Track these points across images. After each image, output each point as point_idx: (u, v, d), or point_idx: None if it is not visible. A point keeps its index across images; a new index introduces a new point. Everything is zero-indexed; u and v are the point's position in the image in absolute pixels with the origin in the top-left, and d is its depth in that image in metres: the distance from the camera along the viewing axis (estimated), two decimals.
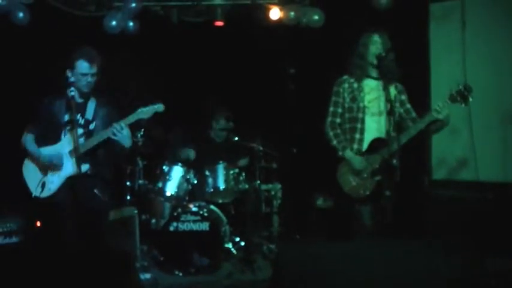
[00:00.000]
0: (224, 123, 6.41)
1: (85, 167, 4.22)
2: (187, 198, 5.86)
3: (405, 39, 5.36)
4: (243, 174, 6.11)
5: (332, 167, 4.57)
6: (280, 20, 6.49)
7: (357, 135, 4.52)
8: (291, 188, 6.84)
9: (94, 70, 4.25)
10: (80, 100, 4.29)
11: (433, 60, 6.34)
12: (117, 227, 5.20)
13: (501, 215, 5.26)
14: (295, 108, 7.05)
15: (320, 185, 6.47)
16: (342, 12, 6.33)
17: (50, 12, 6.06)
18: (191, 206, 5.60)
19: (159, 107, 4.34)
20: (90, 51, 4.28)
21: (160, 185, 5.82)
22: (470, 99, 4.23)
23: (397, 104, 4.54)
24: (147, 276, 5.28)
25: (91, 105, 4.40)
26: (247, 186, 6.09)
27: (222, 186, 5.90)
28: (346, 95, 4.57)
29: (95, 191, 4.28)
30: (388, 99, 4.32)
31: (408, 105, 4.60)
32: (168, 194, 5.80)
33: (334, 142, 4.56)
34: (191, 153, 6.28)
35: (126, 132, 4.23)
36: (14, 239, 4.86)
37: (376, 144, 4.44)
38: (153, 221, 6.06)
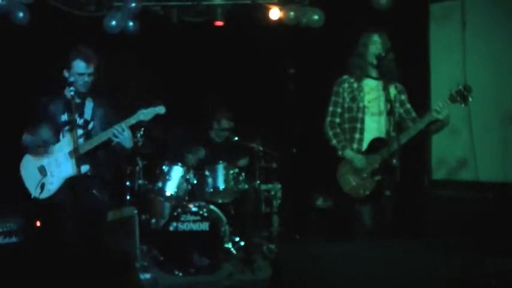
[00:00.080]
0: (226, 123, 6.41)
1: (85, 168, 4.21)
2: (187, 198, 5.86)
3: (405, 39, 5.36)
4: (243, 174, 6.10)
5: (332, 167, 4.56)
6: (280, 20, 6.49)
7: (357, 135, 4.52)
8: (290, 188, 6.84)
9: (91, 70, 4.24)
10: (77, 100, 4.26)
11: (433, 60, 6.34)
12: (117, 227, 5.20)
13: (501, 215, 5.26)
14: (295, 108, 7.05)
15: (320, 185, 6.46)
16: (342, 12, 6.33)
17: (50, 12, 6.06)
18: (191, 206, 5.60)
19: (161, 109, 4.31)
20: (87, 50, 4.27)
21: (160, 185, 5.82)
22: (470, 99, 4.23)
23: (397, 104, 4.54)
24: (147, 276, 5.28)
25: (89, 106, 4.40)
26: (247, 186, 6.09)
27: (221, 186, 5.90)
28: (346, 94, 4.57)
29: (94, 191, 4.28)
30: (388, 99, 4.32)
31: (408, 105, 4.60)
32: (167, 194, 5.80)
33: (334, 142, 4.55)
34: (201, 153, 6.27)
35: (127, 133, 4.22)
36: (14, 239, 4.85)
37: (376, 144, 4.43)
38: (153, 221, 6.06)
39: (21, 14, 5.86)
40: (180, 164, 5.90)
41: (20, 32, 5.92)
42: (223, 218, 5.71)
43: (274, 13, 6.45)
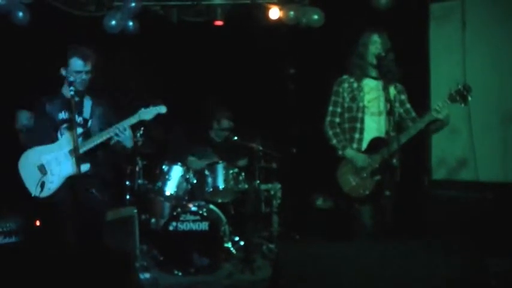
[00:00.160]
0: (226, 123, 6.42)
1: (86, 167, 4.22)
2: (186, 197, 5.86)
3: (405, 39, 5.35)
4: (243, 174, 6.10)
5: (332, 167, 4.56)
6: (279, 20, 6.49)
7: (356, 135, 4.51)
8: (290, 188, 6.83)
9: (88, 67, 4.25)
10: (76, 99, 4.26)
11: (433, 60, 6.33)
12: (117, 226, 5.19)
13: (501, 215, 5.26)
14: (295, 108, 7.06)
15: (320, 185, 6.46)
16: (342, 12, 6.33)
17: (50, 12, 6.05)
18: (191, 205, 5.60)
19: (162, 109, 4.32)
20: (84, 49, 4.29)
21: (159, 184, 5.82)
22: (470, 99, 4.22)
23: (397, 104, 4.54)
24: (147, 276, 5.28)
25: (87, 104, 4.41)
26: (246, 186, 6.09)
27: (221, 185, 5.90)
28: (345, 94, 4.56)
29: (93, 191, 4.27)
30: (387, 99, 4.32)
31: (408, 105, 4.59)
32: (167, 193, 5.80)
33: (334, 141, 4.55)
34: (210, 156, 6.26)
35: (128, 133, 4.23)
36: (13, 239, 4.85)
37: (376, 143, 4.43)
38: (153, 220, 6.06)
39: (20, 14, 5.86)
40: (179, 163, 5.90)
41: (20, 32, 5.92)
42: (223, 217, 5.71)
43: (274, 13, 6.45)
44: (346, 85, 4.57)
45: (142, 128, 5.71)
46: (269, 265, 5.56)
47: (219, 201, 5.99)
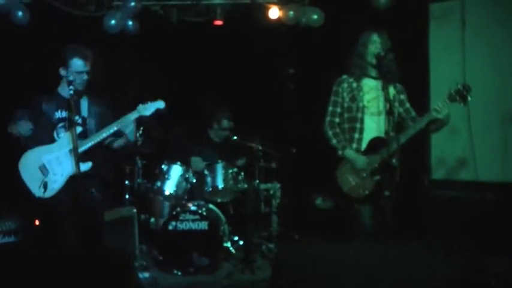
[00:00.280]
0: (226, 123, 6.41)
1: (87, 165, 4.24)
2: (186, 197, 5.86)
3: (405, 39, 5.34)
4: (242, 173, 6.10)
5: (331, 166, 4.55)
6: (279, 20, 6.48)
7: (356, 135, 4.50)
8: (290, 187, 6.83)
9: (88, 68, 4.28)
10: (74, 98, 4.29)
11: (433, 60, 6.33)
12: (116, 226, 5.20)
13: (501, 215, 5.26)
14: (295, 108, 7.05)
15: (319, 184, 6.46)
16: (342, 11, 6.33)
17: (50, 12, 6.05)
18: (190, 205, 5.60)
19: (160, 104, 4.37)
20: (83, 49, 4.31)
21: (159, 184, 5.82)
22: (469, 99, 4.22)
23: (396, 104, 4.53)
24: (146, 275, 5.28)
25: (84, 103, 4.43)
26: (246, 185, 6.09)
27: (220, 185, 5.90)
28: (345, 94, 4.56)
29: (93, 190, 4.28)
30: (387, 99, 4.32)
31: (407, 105, 4.59)
32: (167, 193, 5.80)
33: (334, 141, 4.54)
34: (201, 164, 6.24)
35: (132, 126, 4.27)
36: (13, 238, 4.85)
37: (375, 143, 4.42)
38: (152, 220, 6.06)
39: (20, 14, 5.86)
40: (179, 163, 5.90)
41: (20, 32, 5.92)
42: (223, 217, 5.71)
43: (274, 12, 6.44)
44: (345, 85, 4.57)
45: (142, 128, 5.71)
46: (269, 265, 5.56)
47: (219, 200, 5.99)
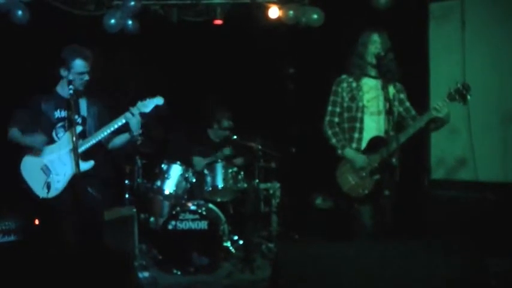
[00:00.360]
0: (226, 122, 6.41)
1: (89, 164, 4.25)
2: (186, 196, 5.86)
3: (405, 38, 5.34)
4: (242, 173, 6.11)
5: (331, 166, 4.55)
6: (279, 19, 6.48)
7: (356, 135, 4.50)
8: (290, 187, 6.83)
9: (89, 68, 4.28)
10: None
11: (433, 60, 6.33)
12: (116, 226, 5.19)
13: (501, 215, 5.26)
14: (294, 107, 7.05)
15: (319, 184, 6.46)
16: (342, 11, 6.32)
17: (49, 11, 6.04)
18: (190, 204, 5.60)
19: (159, 100, 4.38)
20: (84, 49, 4.31)
21: (159, 183, 5.82)
22: (469, 98, 4.22)
23: (396, 103, 4.53)
24: (146, 275, 5.28)
25: (83, 103, 4.43)
26: (246, 185, 6.09)
27: (220, 185, 5.91)
28: (345, 94, 4.56)
29: (92, 190, 4.28)
30: (386, 99, 4.32)
31: (407, 104, 4.59)
32: (166, 192, 5.80)
33: (333, 141, 4.54)
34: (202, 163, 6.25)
35: (137, 118, 4.28)
36: (12, 238, 4.84)
37: (375, 142, 4.42)
38: (152, 219, 6.06)
39: (20, 13, 5.85)
40: (178, 162, 5.89)
41: (19, 31, 5.91)
42: (222, 216, 5.71)
43: (274, 12, 6.44)
44: (345, 85, 4.57)
45: (142, 128, 5.70)
46: (268, 265, 5.56)
47: (218, 200, 5.99)
